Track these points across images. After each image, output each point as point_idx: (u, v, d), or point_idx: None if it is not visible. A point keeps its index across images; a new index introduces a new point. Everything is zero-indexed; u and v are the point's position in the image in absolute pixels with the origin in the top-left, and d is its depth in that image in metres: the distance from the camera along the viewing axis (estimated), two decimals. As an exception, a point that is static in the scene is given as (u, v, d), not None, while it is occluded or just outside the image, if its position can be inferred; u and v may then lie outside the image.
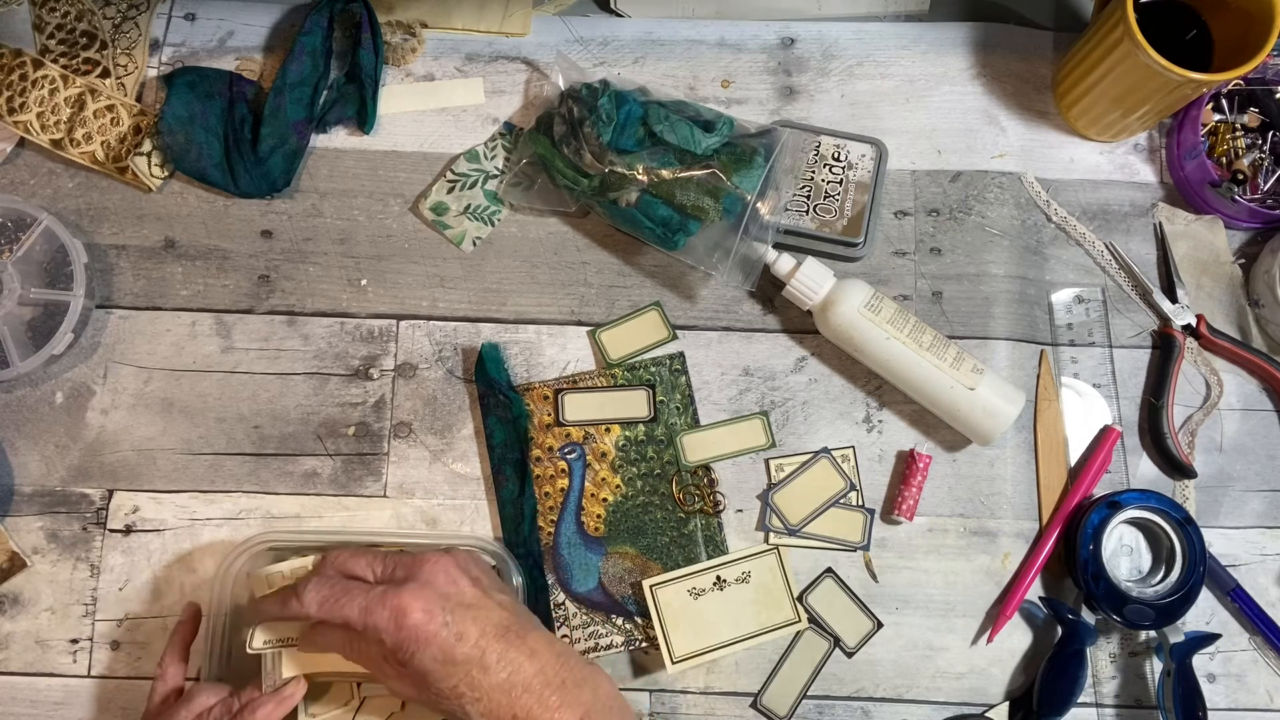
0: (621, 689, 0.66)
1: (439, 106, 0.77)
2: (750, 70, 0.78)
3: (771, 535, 0.69)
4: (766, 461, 0.70)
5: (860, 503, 0.70)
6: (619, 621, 0.67)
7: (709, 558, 0.68)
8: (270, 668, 0.59)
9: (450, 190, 0.74)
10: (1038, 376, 0.72)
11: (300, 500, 0.69)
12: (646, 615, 0.66)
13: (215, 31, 0.78)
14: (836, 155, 0.73)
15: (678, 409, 0.71)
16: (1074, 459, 0.71)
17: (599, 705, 0.53)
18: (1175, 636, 0.65)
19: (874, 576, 0.69)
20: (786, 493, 0.69)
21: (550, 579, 0.68)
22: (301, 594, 0.56)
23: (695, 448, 0.70)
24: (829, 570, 0.68)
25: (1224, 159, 0.75)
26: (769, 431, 0.71)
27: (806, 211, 0.72)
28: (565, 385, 0.71)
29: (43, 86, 0.73)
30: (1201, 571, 0.66)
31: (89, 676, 0.67)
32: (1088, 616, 0.67)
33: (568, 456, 0.69)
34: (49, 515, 0.69)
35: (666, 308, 0.73)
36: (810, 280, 0.68)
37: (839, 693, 0.67)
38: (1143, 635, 0.68)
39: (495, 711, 0.52)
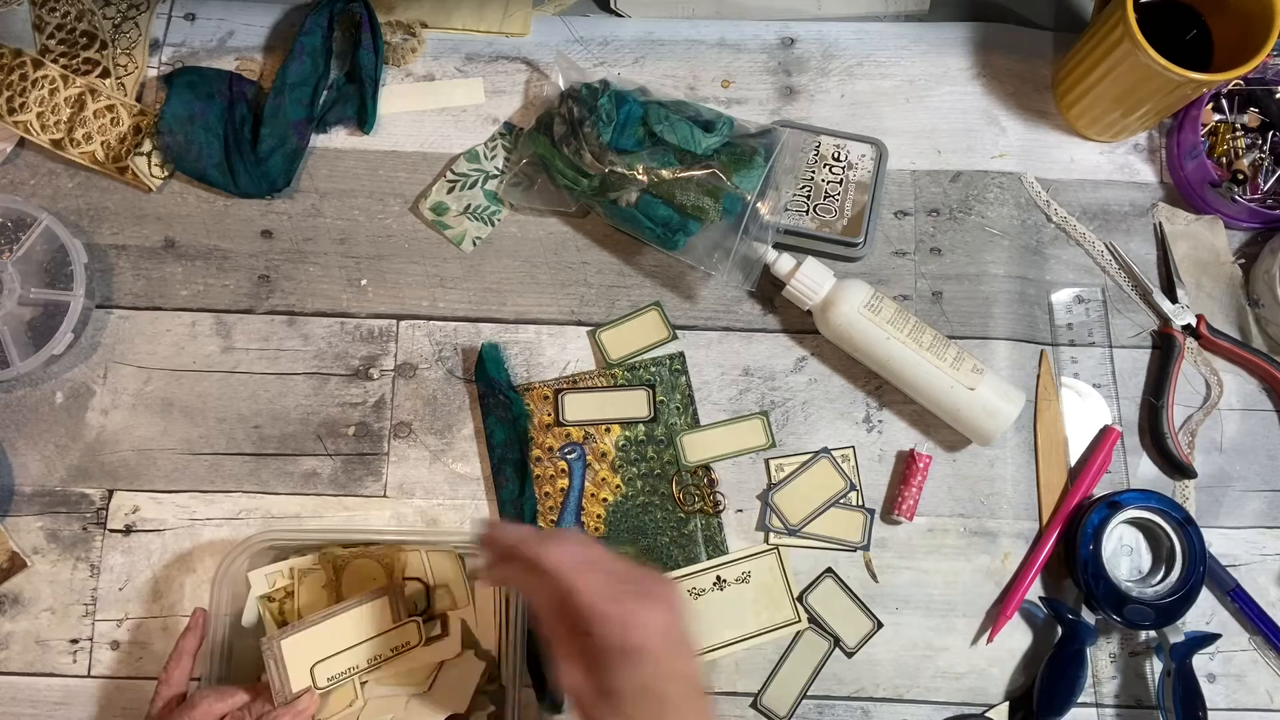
0: (622, 689, 0.66)
1: (439, 106, 0.77)
2: (750, 70, 0.78)
3: (771, 535, 0.69)
4: (766, 461, 0.70)
5: (860, 503, 0.70)
6: (619, 621, 0.67)
7: (709, 558, 0.68)
8: (279, 685, 0.59)
9: (450, 190, 0.74)
10: (1038, 376, 0.72)
11: (300, 500, 0.69)
12: (646, 615, 0.66)
13: (215, 31, 0.78)
14: (836, 155, 0.73)
15: (678, 409, 0.71)
16: (1074, 459, 0.71)
17: None
18: (1175, 636, 0.65)
19: (874, 576, 0.69)
20: (786, 493, 0.69)
21: (550, 579, 0.68)
22: (545, 542, 0.51)
23: (695, 448, 0.70)
24: (829, 570, 0.68)
25: (1224, 159, 0.75)
26: (769, 431, 0.70)
27: (806, 211, 0.72)
28: (565, 385, 0.71)
29: (43, 86, 0.73)
30: (1201, 571, 0.66)
31: (89, 676, 0.67)
32: (1088, 616, 0.67)
33: (568, 456, 0.69)
34: (49, 515, 0.69)
35: (666, 308, 0.73)
36: (810, 280, 0.68)
37: (839, 693, 0.67)
38: (1143, 635, 0.68)
39: None
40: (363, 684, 0.62)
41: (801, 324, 0.73)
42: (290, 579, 0.64)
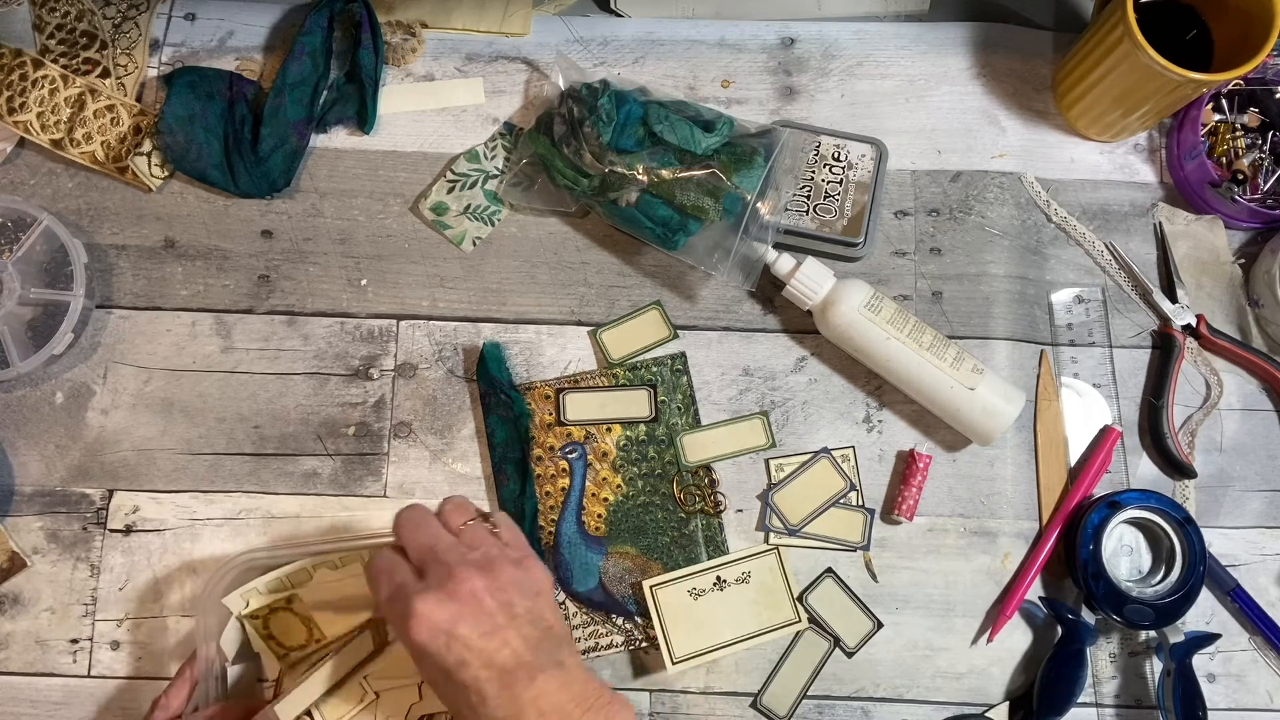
0: (621, 689, 0.66)
1: (439, 106, 0.77)
2: (750, 70, 0.78)
3: (771, 535, 0.69)
4: (766, 461, 0.70)
5: (860, 503, 0.70)
6: (619, 621, 0.67)
7: (709, 558, 0.68)
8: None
9: (450, 190, 0.74)
10: (1038, 376, 0.72)
11: (300, 500, 0.69)
12: (647, 615, 0.66)
13: (215, 31, 0.78)
14: (836, 155, 0.73)
15: (679, 409, 0.71)
16: (1074, 459, 0.71)
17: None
18: (1175, 636, 0.65)
19: (874, 576, 0.69)
20: (786, 493, 0.69)
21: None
22: (400, 528, 0.55)
23: (696, 448, 0.70)
24: (829, 570, 0.68)
25: (1224, 159, 0.75)
26: (769, 431, 0.70)
27: (806, 211, 0.72)
28: (567, 384, 0.71)
29: (43, 86, 0.73)
30: (1201, 571, 0.66)
31: (89, 676, 0.67)
32: (1088, 616, 0.67)
33: (569, 456, 0.69)
34: (49, 515, 0.69)
35: (666, 308, 0.73)
36: (810, 280, 0.68)
37: (839, 693, 0.67)
38: (1143, 635, 0.68)
39: None
40: (364, 676, 0.62)
41: (801, 324, 0.73)
42: (266, 594, 0.63)
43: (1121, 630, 0.68)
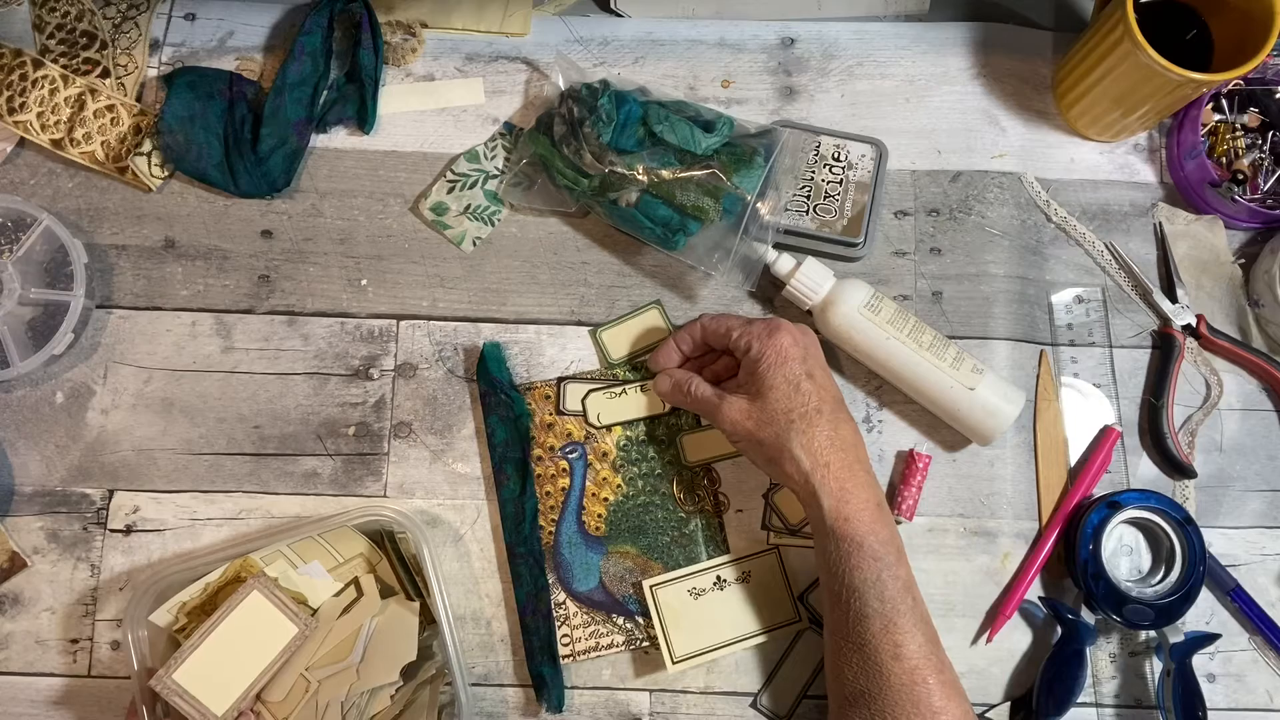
0: (621, 689, 0.66)
1: (439, 106, 0.77)
2: (750, 70, 0.78)
3: (772, 535, 0.69)
4: (767, 461, 0.70)
5: (860, 503, 0.70)
6: (620, 621, 0.67)
7: (709, 557, 0.68)
8: (199, 717, 0.58)
9: (450, 190, 0.74)
10: (1038, 376, 0.72)
11: (300, 500, 0.69)
12: (647, 615, 0.66)
13: (215, 31, 0.78)
14: (836, 155, 0.73)
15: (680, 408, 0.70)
16: (1074, 459, 0.71)
17: (877, 497, 0.60)
18: (1175, 636, 0.65)
19: (874, 576, 0.69)
20: (787, 492, 0.69)
21: (551, 578, 0.68)
22: (696, 324, 0.67)
23: (696, 447, 0.70)
24: (829, 570, 0.68)
25: (1224, 159, 0.75)
26: (769, 431, 0.70)
27: (806, 211, 0.72)
28: (570, 381, 0.71)
29: (43, 86, 0.73)
30: (1201, 571, 0.66)
31: (89, 676, 0.67)
32: (1088, 616, 0.67)
33: (569, 456, 0.69)
34: (49, 515, 0.69)
35: (667, 308, 0.73)
36: (810, 280, 0.68)
37: (839, 693, 0.67)
38: (1143, 635, 0.68)
39: (813, 449, 0.59)
40: (307, 669, 0.62)
41: (802, 324, 0.72)
42: (201, 594, 0.63)
43: (1121, 630, 0.68)
